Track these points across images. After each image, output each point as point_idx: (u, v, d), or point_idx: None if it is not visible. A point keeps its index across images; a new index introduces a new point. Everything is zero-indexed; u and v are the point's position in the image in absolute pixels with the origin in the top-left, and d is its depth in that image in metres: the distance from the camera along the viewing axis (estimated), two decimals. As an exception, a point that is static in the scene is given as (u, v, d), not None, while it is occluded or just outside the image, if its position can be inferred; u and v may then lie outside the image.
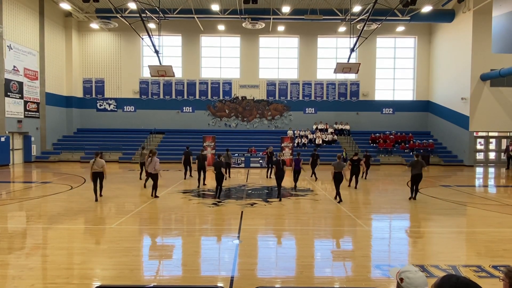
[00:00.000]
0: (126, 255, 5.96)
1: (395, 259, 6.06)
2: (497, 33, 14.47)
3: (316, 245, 6.89)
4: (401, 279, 1.80)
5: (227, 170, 16.96)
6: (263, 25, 24.79)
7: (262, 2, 22.83)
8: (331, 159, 13.17)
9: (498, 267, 5.47)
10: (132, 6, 21.31)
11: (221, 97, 28.24)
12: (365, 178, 16.48)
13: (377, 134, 26.56)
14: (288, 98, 28.25)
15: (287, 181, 14.71)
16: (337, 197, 11.06)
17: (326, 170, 14.39)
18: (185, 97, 28.21)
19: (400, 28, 26.74)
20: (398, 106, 28.25)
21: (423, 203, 10.76)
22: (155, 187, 11.33)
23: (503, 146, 23.51)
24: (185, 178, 15.92)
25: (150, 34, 18.51)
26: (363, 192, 13.14)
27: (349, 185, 13.94)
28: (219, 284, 4.88)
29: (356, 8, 22.28)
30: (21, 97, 21.92)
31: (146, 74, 27.41)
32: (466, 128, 23.23)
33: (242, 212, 9.34)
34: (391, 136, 26.30)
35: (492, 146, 24.10)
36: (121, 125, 28.00)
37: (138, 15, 18.05)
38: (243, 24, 24.64)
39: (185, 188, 13.26)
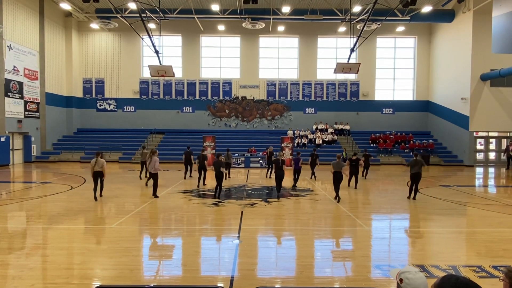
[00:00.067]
0: (126, 255, 5.96)
1: (395, 259, 6.06)
2: (497, 33, 14.48)
3: (316, 245, 6.89)
4: (401, 280, 1.80)
5: (228, 170, 17.01)
6: (263, 25, 24.79)
7: (262, 2, 22.83)
8: (331, 159, 13.16)
9: (498, 267, 5.47)
10: (132, 6, 21.31)
11: (221, 97, 28.24)
12: (365, 178, 16.52)
13: (377, 134, 26.56)
14: (288, 98, 28.25)
15: (287, 181, 14.71)
16: (336, 197, 11.12)
17: (326, 170, 14.39)
18: (185, 97, 28.21)
19: (400, 28, 26.75)
20: (398, 106, 28.25)
21: (423, 203, 10.76)
22: (155, 186, 11.37)
23: (503, 146, 23.51)
24: (185, 178, 15.95)
25: (150, 34, 18.51)
26: (363, 192, 13.14)
27: (349, 185, 13.95)
28: (219, 284, 4.88)
29: (356, 8, 22.28)
30: (21, 97, 21.92)
31: (146, 74, 27.41)
32: (466, 128, 23.23)
33: (242, 212, 9.34)
34: (391, 136, 26.30)
35: (492, 146, 24.10)
36: (121, 125, 28.00)
37: (138, 15, 18.05)
38: (243, 24, 24.65)
39: (185, 188, 13.26)
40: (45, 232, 7.42)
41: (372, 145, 25.96)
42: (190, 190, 12.94)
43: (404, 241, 7.28)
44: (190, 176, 16.26)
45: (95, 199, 10.72)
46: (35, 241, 6.83)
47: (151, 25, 23.54)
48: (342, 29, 26.51)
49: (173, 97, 28.19)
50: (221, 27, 26.76)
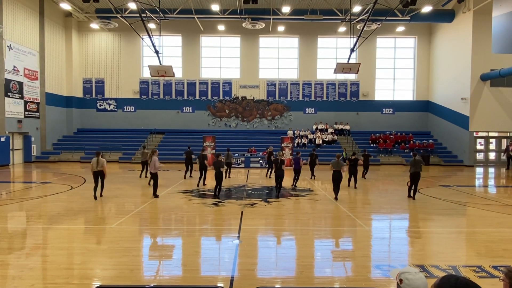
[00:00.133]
0: (126, 255, 5.96)
1: (395, 259, 6.06)
2: (497, 33, 14.48)
3: (316, 245, 6.89)
4: (401, 280, 1.80)
5: (228, 170, 17.05)
6: (263, 25, 24.79)
7: (262, 2, 22.83)
8: (331, 160, 13.16)
9: (498, 267, 5.47)
10: (132, 6, 21.31)
11: (221, 97, 28.24)
12: (364, 178, 16.53)
13: (377, 134, 26.56)
14: (288, 98, 28.25)
15: (287, 181, 14.72)
16: (335, 195, 11.15)
17: (326, 170, 14.39)
18: (185, 97, 28.21)
19: (400, 28, 26.75)
20: (398, 106, 28.25)
21: (423, 203, 10.76)
22: (155, 186, 11.39)
23: (503, 146, 23.51)
24: (185, 178, 15.99)
25: (150, 34, 18.52)
26: (363, 192, 13.15)
27: (349, 185, 13.96)
28: (219, 284, 4.88)
29: (356, 8, 22.28)
30: (21, 97, 21.92)
31: (146, 74, 27.41)
32: (466, 128, 23.23)
33: (242, 212, 9.34)
34: (391, 136, 26.30)
35: (492, 146, 24.11)
36: (121, 125, 28.00)
37: (138, 15, 18.06)
38: (243, 24, 24.65)
39: (185, 188, 13.26)
40: (45, 232, 7.43)
41: (372, 145, 25.96)
42: (190, 190, 12.94)
43: (404, 241, 7.28)
44: (190, 176, 16.27)
45: (95, 198, 10.80)
46: (35, 241, 6.83)
47: (151, 25, 23.54)
48: (342, 29, 26.52)
49: (173, 97, 28.19)
50: (221, 27, 26.77)
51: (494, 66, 21.67)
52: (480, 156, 24.06)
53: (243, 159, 21.89)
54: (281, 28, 26.81)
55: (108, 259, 5.78)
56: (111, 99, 28.15)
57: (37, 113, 23.68)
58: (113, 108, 28.17)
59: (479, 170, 21.42)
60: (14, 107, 21.26)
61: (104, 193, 11.28)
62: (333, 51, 28.23)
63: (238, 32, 27.34)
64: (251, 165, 21.76)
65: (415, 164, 11.26)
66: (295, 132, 26.75)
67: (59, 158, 23.89)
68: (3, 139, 20.01)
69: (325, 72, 27.85)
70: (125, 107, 28.15)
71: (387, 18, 20.64)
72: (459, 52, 23.77)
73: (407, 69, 28.48)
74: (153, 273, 5.44)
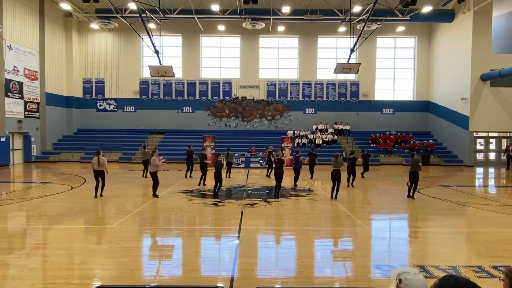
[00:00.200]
0: (126, 255, 5.96)
1: (395, 259, 6.06)
2: (497, 33, 14.48)
3: (316, 245, 6.89)
4: (400, 280, 1.81)
5: (229, 170, 17.07)
6: (263, 25, 24.79)
7: (262, 2, 22.83)
8: (331, 159, 13.17)
9: (498, 267, 5.47)
10: (132, 6, 21.31)
11: (221, 97, 28.25)
12: (363, 176, 16.60)
13: (377, 134, 26.56)
14: (288, 98, 28.26)
15: (287, 181, 14.72)
16: (334, 195, 11.22)
17: (325, 170, 14.39)
18: (185, 97, 28.22)
19: (400, 28, 26.75)
20: (398, 106, 28.25)
21: (423, 203, 10.76)
22: (155, 186, 11.41)
23: (503, 146, 23.51)
24: (185, 177, 16.03)
25: (150, 34, 18.52)
26: (363, 192, 13.15)
27: (348, 185, 13.99)
28: (219, 284, 4.88)
29: (356, 8, 22.28)
30: (21, 97, 21.92)
31: (146, 74, 27.40)
32: (466, 128, 23.23)
33: (242, 212, 9.34)
34: (391, 136, 26.30)
35: (492, 146, 24.11)
36: (121, 125, 28.00)
37: (138, 15, 18.06)
38: (243, 24, 24.65)
39: (185, 188, 13.27)
40: (45, 232, 7.43)
41: (372, 145, 25.96)
42: (190, 190, 12.94)
43: (404, 241, 7.27)
44: (190, 176, 16.30)
45: (95, 196, 10.90)
46: (35, 241, 6.83)
47: (151, 25, 23.53)
48: (342, 29, 26.51)
49: (173, 97, 28.19)
50: (221, 27, 26.77)
51: (494, 66, 21.67)
52: (480, 156, 24.07)
53: (243, 159, 21.89)
54: (281, 28, 26.81)
55: (108, 259, 5.78)
56: (111, 99, 28.15)
57: (37, 113, 23.69)
58: (113, 108, 28.17)
59: (479, 170, 21.41)
60: (14, 107, 21.26)
61: (104, 193, 11.29)
62: (333, 51, 28.24)
63: (238, 32, 27.34)
64: (251, 165, 21.76)
65: (413, 164, 11.34)
66: (295, 132, 26.75)
67: (59, 158, 23.89)
68: (3, 139, 20.02)
69: (325, 72, 27.85)
70: (125, 107, 28.15)
71: (387, 18, 20.63)
72: (459, 52, 23.77)
73: (407, 69, 28.48)
74: (153, 273, 5.44)
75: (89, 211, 9.30)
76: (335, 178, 11.17)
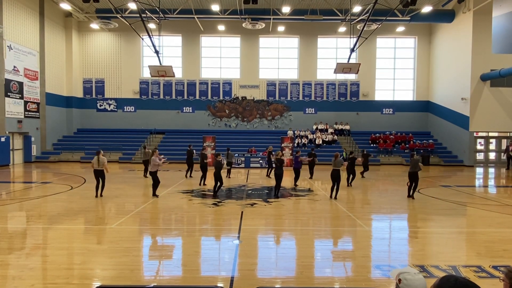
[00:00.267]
0: (126, 255, 5.96)
1: (395, 259, 6.06)
2: (497, 34, 14.48)
3: (316, 245, 6.89)
4: (399, 280, 1.81)
5: (229, 170, 17.08)
6: (263, 25, 24.79)
7: (262, 2, 22.84)
8: (331, 159, 13.19)
9: (498, 267, 5.47)
10: (132, 6, 21.31)
11: (221, 97, 28.25)
12: (363, 176, 16.64)
13: (377, 134, 26.56)
14: (288, 98, 28.26)
15: (287, 181, 14.73)
16: (334, 194, 11.24)
17: (325, 170, 14.39)
18: (185, 97, 28.22)
19: (400, 28, 26.75)
20: (398, 106, 28.25)
21: (423, 203, 10.76)
22: (154, 186, 11.43)
23: (503, 147, 23.51)
24: (186, 177, 16.06)
25: (150, 34, 18.52)
26: (362, 192, 13.15)
27: (348, 185, 14.00)
28: (219, 284, 4.88)
29: (356, 9, 22.28)
30: (21, 97, 21.92)
31: (146, 74, 27.41)
32: (466, 128, 23.23)
33: (242, 212, 9.34)
34: (391, 136, 26.30)
35: (492, 146, 24.10)
36: (121, 125, 28.01)
37: (138, 15, 18.06)
38: (243, 24, 24.65)
39: (185, 188, 13.27)
40: (45, 232, 7.43)
41: (372, 145, 25.96)
42: (190, 190, 12.94)
43: (404, 241, 7.27)
44: (190, 176, 16.32)
45: (96, 196, 10.99)
46: (35, 241, 6.84)
47: (151, 25, 23.54)
48: (342, 29, 26.52)
49: (173, 97, 28.19)
50: (221, 27, 26.77)
51: (494, 66, 21.67)
52: (480, 156, 24.06)
53: (243, 159, 21.89)
54: (281, 28, 26.81)
55: (108, 259, 5.78)
56: (111, 99, 28.15)
57: (37, 113, 23.69)
58: (113, 108, 28.17)
59: (479, 170, 21.41)
60: (14, 107, 21.26)
61: (104, 193, 11.30)
62: (333, 51, 28.24)
63: (238, 32, 27.34)
64: (251, 165, 21.76)
65: (413, 164, 11.39)
66: (295, 132, 26.75)
67: (59, 158, 23.89)
68: (3, 139, 20.02)
69: (325, 72, 27.85)
70: (125, 107, 28.15)
71: (387, 18, 20.64)
72: (459, 52, 23.77)
73: (407, 69, 28.48)
74: (153, 273, 5.44)
75: (89, 211, 9.30)
76: (335, 178, 11.20)
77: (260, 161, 21.76)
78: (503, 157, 22.88)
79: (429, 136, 27.39)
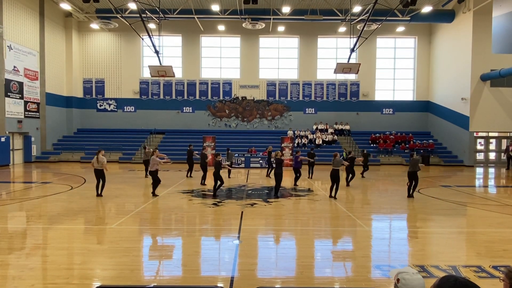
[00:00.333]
0: (126, 255, 5.96)
1: (395, 260, 6.06)
2: (497, 34, 14.48)
3: (316, 245, 6.89)
4: (398, 280, 1.82)
5: (229, 170, 17.08)
6: (263, 25, 24.79)
7: (262, 2, 22.84)
8: (331, 159, 13.20)
9: (498, 268, 5.47)
10: (132, 6, 21.32)
11: (221, 97, 28.25)
12: (363, 176, 16.64)
13: (377, 134, 26.56)
14: (288, 98, 28.26)
15: (287, 181, 14.73)
16: (334, 194, 11.26)
17: (325, 170, 14.39)
18: (185, 97, 28.22)
19: (400, 29, 26.75)
20: (398, 106, 28.25)
21: (423, 203, 10.76)
22: (154, 185, 11.45)
23: (503, 147, 23.51)
24: (187, 176, 16.08)
25: (150, 34, 18.52)
26: (362, 192, 13.16)
27: (347, 185, 14.01)
28: (219, 284, 4.88)
29: (356, 9, 22.29)
30: (21, 97, 21.93)
31: (146, 74, 27.41)
32: (466, 128, 23.23)
33: (242, 212, 9.34)
34: (391, 137, 26.30)
35: (492, 146, 24.10)
36: (121, 125, 28.01)
37: (138, 15, 18.06)
38: (243, 25, 24.65)
39: (185, 188, 13.27)
40: (45, 232, 7.43)
41: (372, 145, 25.96)
42: (190, 190, 12.95)
43: (404, 241, 7.27)
44: (190, 176, 16.33)
45: (97, 195, 11.08)
46: (35, 241, 6.84)
47: (151, 25, 23.54)
48: (342, 29, 26.52)
49: (173, 97, 28.20)
50: (221, 27, 26.77)
51: (494, 66, 21.67)
52: (480, 156, 24.06)
53: (243, 159, 21.89)
54: (281, 28, 26.81)
55: (108, 259, 5.78)
56: (111, 99, 28.16)
57: (37, 113, 23.69)
58: (113, 108, 28.17)
59: (479, 170, 21.41)
60: (14, 107, 21.26)
61: (104, 193, 11.31)
62: (333, 51, 28.24)
63: (238, 32, 27.34)
64: (251, 165, 21.76)
65: (412, 164, 11.44)
66: (295, 132, 26.75)
67: (59, 158, 23.89)
68: (3, 139, 20.02)
69: (325, 72, 27.85)
70: (125, 107, 28.16)
71: (387, 18, 20.64)
72: (459, 52, 23.77)
73: (407, 69, 28.48)
74: (153, 273, 5.44)
75: (89, 211, 9.30)
76: (334, 177, 11.25)
77: (260, 161, 21.76)
78: (503, 157, 22.88)
79: (429, 136, 27.39)
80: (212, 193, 11.68)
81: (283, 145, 22.00)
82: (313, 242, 7.08)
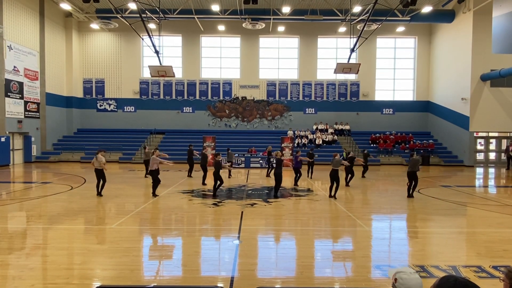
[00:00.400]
0: (126, 255, 5.96)
1: (395, 260, 6.06)
2: (497, 34, 14.48)
3: (316, 245, 6.89)
4: (395, 279, 1.82)
5: (229, 170, 17.10)
6: (263, 25, 24.79)
7: (262, 3, 22.84)
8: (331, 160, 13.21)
9: (498, 268, 5.47)
10: (132, 6, 21.32)
11: (221, 98, 28.25)
12: (363, 176, 16.65)
13: (377, 135, 26.56)
14: (288, 99, 28.26)
15: (287, 181, 14.73)
16: (334, 194, 11.27)
17: (325, 170, 14.39)
18: (185, 97, 28.22)
19: (400, 29, 26.75)
20: (398, 106, 28.25)
21: (423, 204, 10.76)
22: (154, 185, 11.45)
23: (503, 147, 23.51)
24: (188, 176, 16.09)
25: (150, 34, 18.52)
26: (362, 192, 13.16)
27: (346, 185, 14.01)
28: (219, 285, 4.88)
29: (356, 9, 22.29)
30: (21, 97, 21.93)
31: (146, 74, 27.42)
32: (466, 128, 23.23)
33: (242, 212, 9.34)
34: (391, 137, 26.30)
35: (492, 146, 24.10)
36: (121, 125, 28.01)
37: (138, 15, 18.07)
38: (243, 25, 24.65)
39: (185, 188, 13.27)
40: (45, 232, 7.43)
41: (372, 145, 25.96)
42: (190, 190, 12.95)
43: (404, 241, 7.27)
44: (190, 176, 16.34)
45: (97, 194, 11.15)
46: (35, 241, 6.84)
47: (151, 25, 23.55)
48: (342, 29, 26.52)
49: (173, 97, 28.20)
50: (221, 27, 26.77)
51: (494, 66, 21.67)
52: (480, 156, 24.06)
53: (243, 159, 21.90)
54: (281, 28, 26.81)
55: (108, 259, 5.78)
56: (111, 99, 28.16)
57: (37, 113, 23.69)
58: (113, 108, 28.18)
59: (479, 170, 21.41)
60: (14, 107, 21.26)
61: (104, 193, 11.32)
62: (333, 51, 28.24)
63: (238, 32, 27.34)
64: (251, 165, 21.76)
65: (411, 164, 11.46)
66: (295, 132, 26.75)
67: (59, 158, 23.89)
68: (3, 139, 20.02)
69: (325, 72, 27.85)
70: (125, 107, 28.16)
71: (387, 18, 20.64)
72: (459, 52, 23.77)
73: (407, 69, 28.48)
74: (153, 273, 5.44)
75: (89, 211, 9.30)
76: (334, 177, 11.28)
77: (260, 161, 21.76)
78: (503, 157, 22.88)
79: (429, 136, 27.39)
80: (212, 193, 11.69)
81: (283, 145, 21.99)
82: (313, 242, 7.08)
